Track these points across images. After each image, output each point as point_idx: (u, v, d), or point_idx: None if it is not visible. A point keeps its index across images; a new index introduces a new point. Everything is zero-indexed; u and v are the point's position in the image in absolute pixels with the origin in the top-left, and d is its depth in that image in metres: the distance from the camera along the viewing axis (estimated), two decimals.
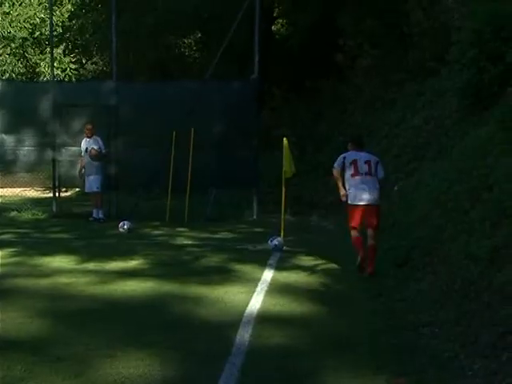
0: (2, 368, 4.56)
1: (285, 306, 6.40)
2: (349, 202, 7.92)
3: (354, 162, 7.90)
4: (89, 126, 13.15)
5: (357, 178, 7.85)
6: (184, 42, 24.58)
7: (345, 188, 7.96)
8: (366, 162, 7.92)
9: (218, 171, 13.44)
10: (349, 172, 7.91)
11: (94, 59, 24.97)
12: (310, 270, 8.17)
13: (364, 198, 7.80)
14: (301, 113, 18.12)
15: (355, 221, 7.88)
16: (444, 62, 11.45)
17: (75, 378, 4.43)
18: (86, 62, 24.92)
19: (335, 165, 8.04)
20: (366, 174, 7.86)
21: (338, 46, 16.58)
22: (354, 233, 7.95)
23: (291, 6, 20.87)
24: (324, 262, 8.62)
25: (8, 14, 22.98)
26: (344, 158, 8.01)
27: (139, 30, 19.80)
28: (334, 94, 17.58)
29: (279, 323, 5.78)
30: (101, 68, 25.66)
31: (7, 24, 22.74)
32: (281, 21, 23.64)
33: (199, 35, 23.95)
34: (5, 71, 23.21)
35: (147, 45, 20.64)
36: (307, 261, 8.79)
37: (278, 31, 23.94)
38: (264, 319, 5.90)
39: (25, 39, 23.24)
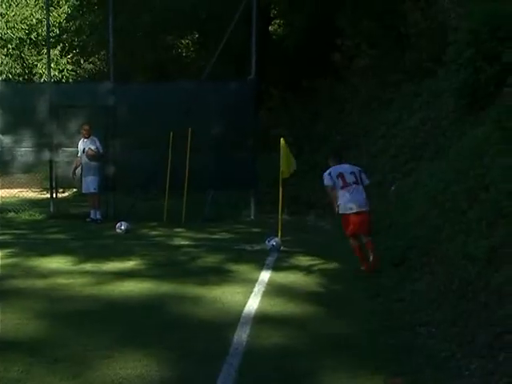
0: None
1: (282, 306, 6.40)
2: (340, 212, 8.16)
3: (341, 175, 8.14)
4: (86, 127, 13.12)
5: (345, 190, 8.05)
6: (181, 43, 24.58)
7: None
8: (351, 173, 8.20)
9: (215, 172, 13.44)
10: (338, 185, 8.12)
11: (92, 59, 24.95)
12: (308, 270, 8.18)
13: (354, 209, 8.01)
14: (298, 113, 18.11)
15: (349, 229, 8.11)
16: (441, 63, 11.46)
17: (73, 379, 4.42)
18: (83, 62, 24.90)
19: (326, 183, 8.21)
20: (353, 183, 8.11)
21: (336, 45, 16.57)
22: (352, 241, 8.17)
23: (288, 6, 20.89)
24: (321, 262, 8.63)
25: (4, 14, 23.01)
26: (330, 173, 8.22)
27: (136, 30, 19.80)
28: (331, 94, 17.56)
29: (277, 323, 5.78)
30: (98, 68, 25.63)
31: (3, 25, 22.77)
32: (278, 21, 23.66)
33: (196, 36, 23.95)
34: (1, 72, 23.22)
35: (145, 45, 20.64)
36: (305, 261, 8.80)
37: (275, 32, 23.94)
38: (261, 319, 5.90)
39: (21, 40, 23.25)
